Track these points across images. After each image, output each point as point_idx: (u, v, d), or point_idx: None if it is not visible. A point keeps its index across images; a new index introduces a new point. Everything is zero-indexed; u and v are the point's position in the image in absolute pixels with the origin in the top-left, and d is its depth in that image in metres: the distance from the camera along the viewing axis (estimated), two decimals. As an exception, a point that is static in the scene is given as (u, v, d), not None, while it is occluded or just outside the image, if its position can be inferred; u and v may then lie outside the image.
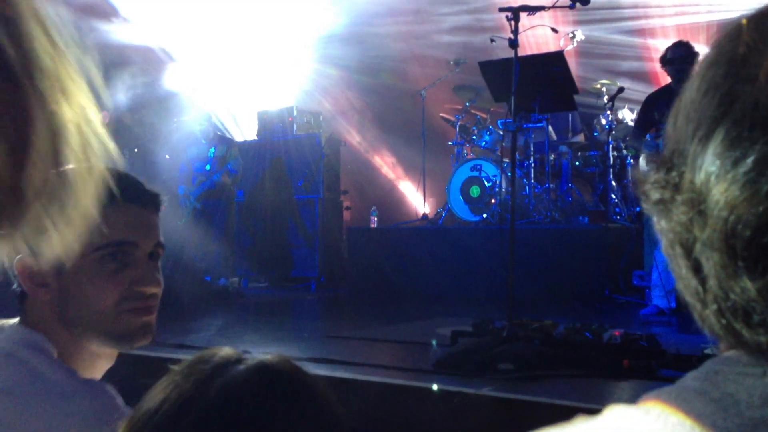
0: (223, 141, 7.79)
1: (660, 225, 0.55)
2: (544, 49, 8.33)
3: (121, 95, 7.80)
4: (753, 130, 0.48)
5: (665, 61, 5.39)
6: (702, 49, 5.61)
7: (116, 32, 8.50)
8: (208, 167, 7.50)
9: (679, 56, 5.29)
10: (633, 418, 0.53)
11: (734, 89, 0.50)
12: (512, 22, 3.52)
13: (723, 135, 0.49)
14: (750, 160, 0.48)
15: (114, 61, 7.88)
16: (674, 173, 0.53)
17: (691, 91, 0.54)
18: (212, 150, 7.57)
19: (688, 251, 0.52)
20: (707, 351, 3.33)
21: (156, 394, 0.76)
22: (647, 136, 5.51)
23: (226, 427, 0.72)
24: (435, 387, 2.92)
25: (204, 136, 7.62)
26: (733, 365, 0.52)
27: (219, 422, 0.72)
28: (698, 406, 0.50)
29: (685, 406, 0.51)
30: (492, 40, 4.71)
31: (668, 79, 5.70)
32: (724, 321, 0.51)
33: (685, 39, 5.61)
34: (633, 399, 0.57)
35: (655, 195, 0.55)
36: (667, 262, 0.57)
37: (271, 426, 0.73)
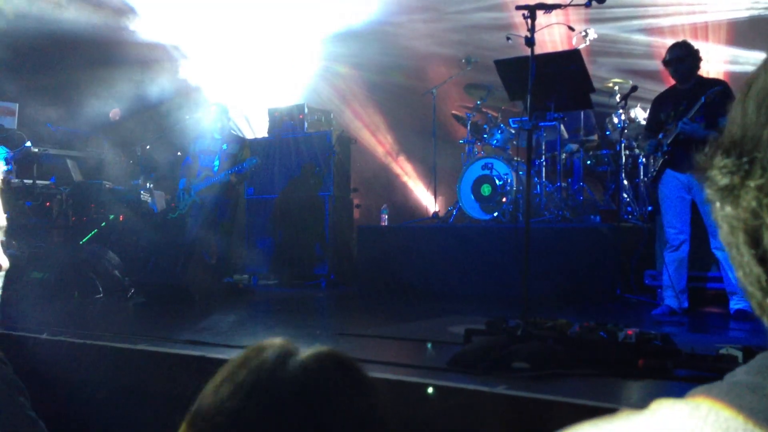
0: (236, 139, 7.76)
1: (723, 211, 0.54)
2: (556, 48, 8.31)
3: (134, 92, 7.84)
4: None
5: (664, 62, 5.43)
6: (713, 47, 5.60)
7: (132, 31, 8.53)
8: (217, 162, 7.43)
9: (675, 57, 5.33)
10: (682, 415, 0.52)
11: None
12: (529, 20, 3.51)
13: None
14: None
15: (129, 59, 7.92)
16: (745, 159, 0.52)
17: (764, 78, 0.53)
18: (225, 146, 7.51)
19: (754, 238, 0.52)
20: (722, 351, 3.32)
21: (220, 385, 0.78)
22: (652, 139, 5.51)
23: (305, 404, 0.75)
24: (430, 390, 2.94)
25: (219, 131, 7.53)
26: None
27: (299, 397, 0.75)
28: (751, 401, 0.50)
29: (737, 401, 0.50)
30: (508, 38, 4.70)
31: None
32: None
33: (690, 38, 5.61)
34: (648, 398, 0.56)
35: (723, 180, 0.54)
36: (726, 248, 0.56)
37: (344, 406, 0.76)
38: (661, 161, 5.40)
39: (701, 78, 5.44)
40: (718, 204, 0.55)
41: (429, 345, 4.14)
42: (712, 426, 0.50)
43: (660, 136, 5.45)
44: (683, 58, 5.31)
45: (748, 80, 0.56)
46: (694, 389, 0.56)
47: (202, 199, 7.29)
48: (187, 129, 7.96)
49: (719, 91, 5.07)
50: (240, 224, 8.18)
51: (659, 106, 5.56)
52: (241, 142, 7.69)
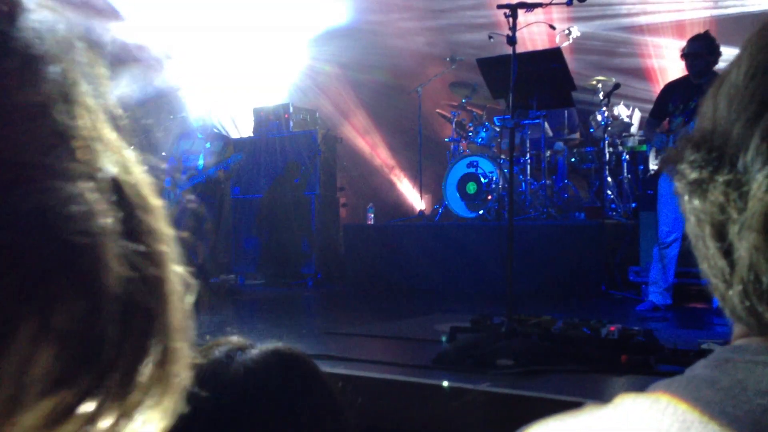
0: (219, 137, 7.77)
1: (692, 204, 0.55)
2: (540, 46, 8.35)
3: (118, 93, 7.78)
4: None
5: (683, 54, 5.34)
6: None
7: (115, 31, 8.48)
8: (201, 161, 7.46)
9: (692, 52, 5.25)
10: (642, 408, 0.53)
11: None
12: (510, 19, 3.53)
13: None
14: None
15: (113, 60, 7.87)
16: (714, 153, 0.53)
17: (736, 73, 0.54)
18: (208, 144, 7.54)
19: (719, 232, 0.53)
20: (704, 346, 3.36)
21: None
22: (661, 135, 5.45)
23: (245, 403, 0.74)
24: (445, 384, 2.94)
25: (201, 130, 7.58)
26: (743, 353, 0.53)
27: (239, 398, 0.74)
28: (707, 395, 0.51)
29: (694, 395, 0.52)
30: (490, 37, 4.71)
31: (662, 76, 5.71)
32: (747, 303, 0.51)
33: (673, 36, 5.61)
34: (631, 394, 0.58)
35: (692, 174, 0.55)
36: (691, 240, 0.57)
37: (289, 404, 0.75)
38: (662, 158, 5.39)
39: (715, 73, 5.39)
40: (686, 197, 0.56)
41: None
42: (670, 419, 0.51)
43: (663, 135, 5.38)
44: (700, 53, 5.21)
45: (721, 76, 0.57)
46: (656, 383, 0.58)
47: (188, 198, 7.28)
48: (170, 129, 7.94)
49: None
50: (226, 224, 8.16)
51: (669, 95, 5.46)
52: (224, 140, 7.71)
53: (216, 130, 8.07)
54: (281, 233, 8.23)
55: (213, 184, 7.36)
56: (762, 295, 0.50)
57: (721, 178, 0.52)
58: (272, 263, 8.26)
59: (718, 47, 5.29)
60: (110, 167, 0.38)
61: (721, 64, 8.43)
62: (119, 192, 0.38)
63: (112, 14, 8.64)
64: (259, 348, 0.82)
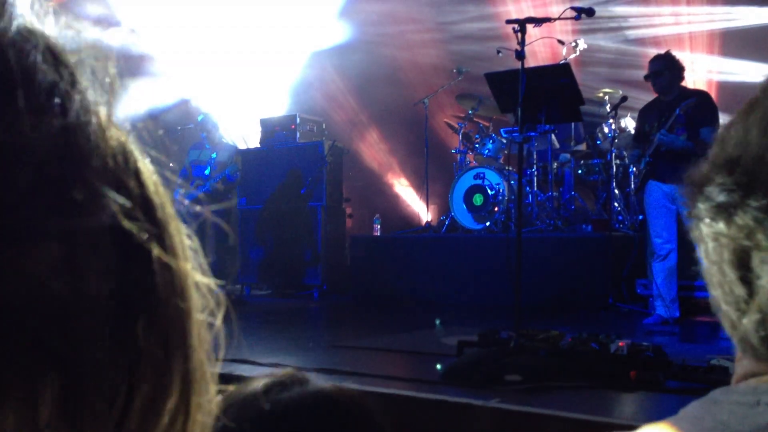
0: (226, 147, 7.83)
1: (713, 228, 0.54)
2: (547, 58, 8.36)
3: (127, 105, 7.83)
4: None
5: (646, 76, 5.51)
6: (702, 57, 5.66)
7: (121, 42, 8.52)
8: (207, 171, 7.55)
9: (653, 71, 5.42)
10: None
11: None
12: (519, 34, 3.54)
13: None
14: None
15: (120, 71, 7.91)
16: (746, 178, 0.52)
17: None
18: (214, 155, 7.62)
19: (740, 258, 0.52)
20: (713, 362, 3.33)
21: (228, 407, 0.75)
22: (635, 150, 5.62)
23: None
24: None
25: (209, 140, 7.67)
26: (732, 394, 0.54)
27: None
28: None
29: None
30: (498, 52, 4.72)
31: None
32: (763, 333, 0.51)
33: (683, 49, 5.68)
34: (640, 411, 0.58)
35: (720, 197, 0.54)
36: (704, 266, 0.57)
37: None
38: (643, 172, 5.47)
39: (684, 89, 5.50)
40: (708, 220, 0.55)
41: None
42: None
43: (635, 151, 5.56)
44: (661, 71, 5.38)
45: (750, 102, 0.56)
46: (645, 426, 0.58)
47: (196, 209, 7.34)
48: (180, 140, 8.00)
49: (692, 102, 5.17)
50: (231, 235, 8.16)
51: (644, 116, 5.65)
52: (231, 150, 7.77)
53: (223, 140, 8.10)
54: (287, 244, 8.23)
55: (217, 196, 7.42)
56: None
57: (754, 203, 0.51)
58: (278, 274, 8.26)
59: (678, 63, 5.42)
60: (136, 185, 0.37)
61: (725, 77, 8.48)
62: (149, 212, 0.37)
63: (118, 26, 8.68)
64: (308, 386, 0.78)
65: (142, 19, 9.01)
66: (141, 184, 0.37)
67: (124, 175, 0.36)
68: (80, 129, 0.35)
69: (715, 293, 0.56)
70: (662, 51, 5.67)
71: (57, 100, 0.35)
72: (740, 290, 0.53)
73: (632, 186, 7.24)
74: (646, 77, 5.49)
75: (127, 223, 0.35)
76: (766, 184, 0.51)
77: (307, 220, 8.15)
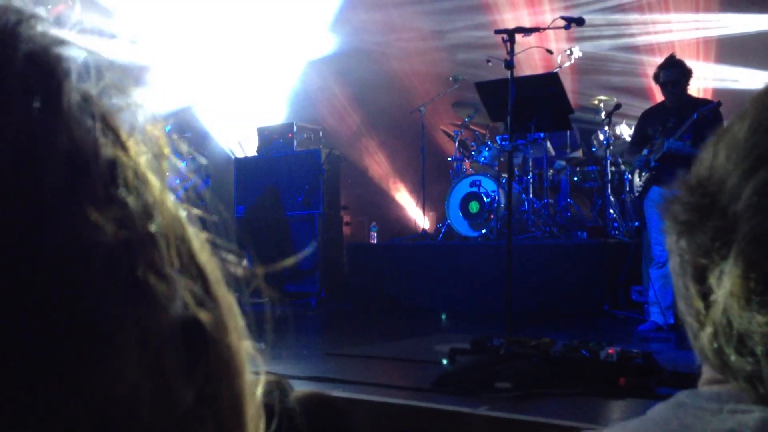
0: (195, 157, 7.89)
1: (678, 244, 0.57)
2: (541, 66, 8.39)
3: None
4: None
5: (659, 82, 5.45)
6: (692, 64, 5.67)
7: (118, 53, 8.56)
8: (177, 182, 7.62)
9: (673, 80, 5.36)
10: None
11: None
12: (508, 44, 3.57)
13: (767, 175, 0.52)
14: None
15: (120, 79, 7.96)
16: (707, 199, 0.55)
17: (739, 126, 0.56)
18: (183, 164, 7.69)
19: (700, 274, 0.55)
20: (704, 368, 3.35)
21: None
22: (640, 154, 5.56)
23: None
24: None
25: (178, 150, 7.75)
26: (697, 399, 0.56)
27: None
28: None
29: None
30: (488, 61, 4.75)
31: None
32: (716, 344, 0.54)
33: (678, 56, 5.64)
34: (629, 418, 0.60)
35: (683, 216, 0.57)
36: (672, 278, 0.60)
37: None
38: (647, 177, 5.45)
39: (689, 96, 5.50)
40: (674, 236, 0.58)
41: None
42: None
43: (645, 151, 5.49)
44: (677, 80, 5.34)
45: (725, 127, 0.59)
46: (613, 425, 0.60)
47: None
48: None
49: (712, 108, 5.13)
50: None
51: (646, 121, 5.60)
52: (200, 159, 7.84)
53: (192, 148, 8.13)
54: (284, 252, 8.25)
55: (189, 204, 7.52)
56: (730, 339, 0.53)
57: (710, 224, 0.54)
58: (275, 282, 8.26)
59: (690, 70, 5.42)
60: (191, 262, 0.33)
61: (720, 83, 8.51)
62: (207, 291, 0.33)
63: (115, 35, 8.72)
64: (292, 391, 0.80)
65: (140, 30, 9.05)
66: (197, 263, 0.33)
67: (184, 252, 0.32)
68: (143, 209, 0.31)
69: (681, 305, 0.59)
70: (661, 58, 5.66)
71: (120, 183, 0.31)
72: (699, 304, 0.55)
73: (628, 192, 7.26)
74: (663, 84, 5.42)
75: (198, 312, 0.31)
76: (724, 209, 0.54)
77: (304, 228, 8.17)
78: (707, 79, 8.66)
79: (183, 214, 0.35)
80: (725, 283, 0.52)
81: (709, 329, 0.54)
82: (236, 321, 0.36)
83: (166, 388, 0.29)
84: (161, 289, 0.30)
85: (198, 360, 0.31)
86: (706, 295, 0.54)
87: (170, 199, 0.34)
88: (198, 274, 0.33)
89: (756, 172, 0.52)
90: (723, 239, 0.53)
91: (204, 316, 0.32)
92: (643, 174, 5.51)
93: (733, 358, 0.53)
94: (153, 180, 0.34)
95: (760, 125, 0.55)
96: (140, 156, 0.34)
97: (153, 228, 0.31)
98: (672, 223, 0.58)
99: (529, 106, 4.00)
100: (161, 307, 0.30)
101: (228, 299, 0.36)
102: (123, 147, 0.33)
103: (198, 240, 0.35)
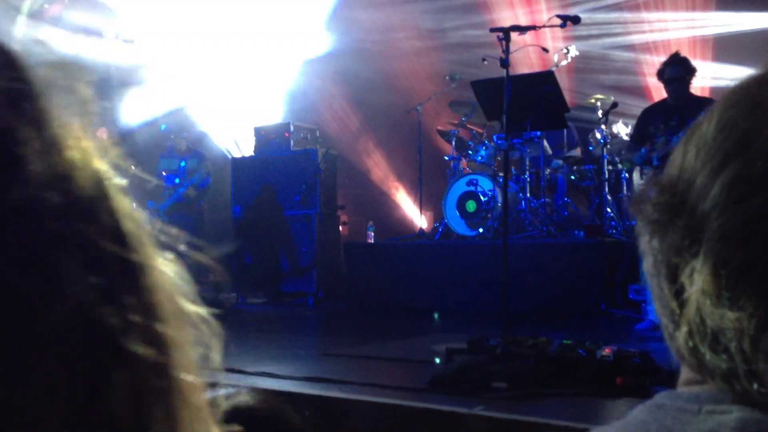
0: (195, 155, 7.90)
1: (651, 244, 0.57)
2: (538, 65, 8.39)
3: (119, 113, 7.88)
4: (765, 172, 0.50)
5: (664, 79, 5.43)
6: (697, 64, 5.68)
7: (115, 52, 8.56)
8: (177, 180, 7.67)
9: (678, 77, 5.35)
10: None
11: (753, 131, 0.52)
12: (503, 42, 3.56)
13: (734, 171, 0.52)
14: (756, 200, 0.50)
15: (112, 80, 7.95)
16: (677, 198, 0.55)
17: (707, 124, 0.56)
18: (183, 163, 7.72)
19: (673, 273, 0.55)
20: (700, 367, 3.34)
21: None
22: (642, 150, 5.55)
23: None
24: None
25: (176, 149, 7.79)
26: (676, 400, 0.56)
27: None
28: None
29: None
30: (484, 60, 4.75)
31: (662, 94, 5.74)
32: (691, 343, 0.54)
33: (678, 54, 5.64)
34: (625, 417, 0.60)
35: (654, 215, 0.57)
36: (648, 280, 0.59)
37: None
38: (649, 176, 5.43)
39: (691, 94, 5.50)
40: (647, 237, 0.58)
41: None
42: None
43: (644, 150, 5.48)
44: (683, 77, 5.34)
45: (693, 126, 0.59)
46: (594, 429, 0.60)
47: (170, 218, 7.49)
48: (177, 147, 8.07)
49: None
50: (204, 241, 8.20)
51: (648, 119, 5.58)
52: (199, 157, 7.85)
53: (191, 147, 8.12)
54: (282, 252, 8.24)
55: (188, 203, 7.55)
56: (705, 337, 0.52)
57: (680, 222, 0.54)
58: (273, 282, 8.27)
59: (694, 68, 5.42)
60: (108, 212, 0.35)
61: (717, 82, 8.51)
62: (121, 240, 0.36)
63: (113, 36, 8.71)
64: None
65: (136, 29, 9.04)
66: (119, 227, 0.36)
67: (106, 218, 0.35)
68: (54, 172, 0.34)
69: (656, 306, 0.59)
70: (657, 56, 5.67)
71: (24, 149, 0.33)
72: (673, 303, 0.55)
73: (625, 191, 7.26)
74: (667, 81, 5.41)
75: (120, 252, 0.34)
76: (693, 207, 0.54)
77: (301, 228, 8.16)
78: (705, 77, 8.66)
79: (114, 182, 0.37)
80: (696, 281, 0.52)
81: (684, 328, 0.54)
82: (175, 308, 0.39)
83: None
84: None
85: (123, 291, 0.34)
86: (679, 293, 0.54)
87: (95, 166, 0.37)
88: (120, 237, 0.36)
89: (723, 169, 0.52)
90: (693, 237, 0.53)
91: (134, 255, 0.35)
92: (645, 172, 5.49)
93: (708, 356, 0.53)
94: (70, 146, 0.36)
95: (726, 123, 0.55)
96: (57, 127, 0.36)
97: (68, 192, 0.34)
98: (644, 223, 0.58)
99: (524, 105, 3.99)
100: (82, 256, 0.33)
101: (149, 254, 0.38)
102: (36, 121, 0.35)
103: (126, 205, 0.38)
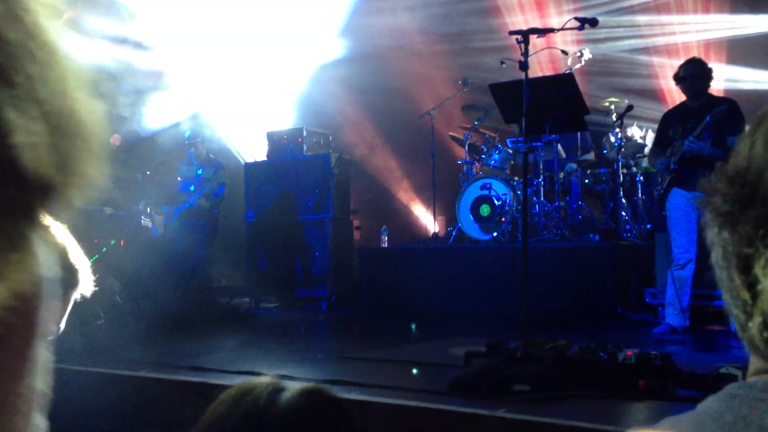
0: (212, 164, 7.91)
1: (721, 235, 0.57)
2: (552, 68, 8.38)
3: (136, 117, 7.94)
4: None
5: (678, 78, 5.41)
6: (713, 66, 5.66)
7: (135, 59, 8.62)
8: (192, 188, 7.72)
9: (692, 74, 5.32)
10: None
11: None
12: (522, 45, 3.55)
13: None
14: None
15: (127, 85, 8.01)
16: (747, 189, 0.55)
17: None
18: (200, 171, 7.76)
19: (745, 265, 0.54)
20: (722, 370, 3.31)
21: (214, 424, 0.79)
22: (663, 157, 5.50)
23: None
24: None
25: (196, 156, 7.82)
26: (751, 389, 0.55)
27: None
28: (711, 430, 0.53)
29: (699, 429, 0.53)
30: (502, 63, 4.74)
31: (679, 96, 5.72)
32: (766, 334, 0.53)
33: (694, 56, 5.64)
34: (648, 420, 0.59)
35: (725, 207, 0.56)
36: (716, 271, 0.59)
37: None
38: (668, 179, 5.39)
39: (710, 96, 5.44)
40: (716, 228, 0.57)
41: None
42: None
43: (663, 158, 5.44)
44: (698, 75, 5.30)
45: (759, 116, 0.59)
46: (666, 419, 0.59)
47: (182, 223, 7.55)
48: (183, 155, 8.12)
49: (725, 109, 5.09)
50: (216, 248, 8.21)
51: (668, 122, 5.54)
52: (216, 166, 7.86)
53: (211, 156, 8.14)
54: (295, 257, 8.25)
55: (200, 211, 7.59)
56: None
57: (752, 213, 0.54)
58: (286, 287, 8.28)
59: (711, 70, 5.39)
60: None
61: (732, 84, 8.47)
62: None
63: (136, 44, 8.77)
64: (295, 388, 0.85)
65: (152, 35, 9.09)
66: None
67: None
68: None
69: (726, 298, 0.58)
70: (671, 59, 5.65)
71: None
72: (746, 294, 0.55)
73: (639, 194, 7.23)
74: (681, 79, 5.38)
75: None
76: (765, 197, 0.53)
77: (314, 232, 8.17)
78: (719, 80, 8.63)
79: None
80: None
81: (758, 319, 0.54)
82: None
83: None
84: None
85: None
86: (752, 285, 0.54)
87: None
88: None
89: None
90: (767, 228, 0.52)
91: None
92: (665, 175, 5.46)
93: None
94: None
95: None
96: None
97: None
98: (713, 214, 0.57)
99: (543, 107, 3.98)
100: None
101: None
102: None
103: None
